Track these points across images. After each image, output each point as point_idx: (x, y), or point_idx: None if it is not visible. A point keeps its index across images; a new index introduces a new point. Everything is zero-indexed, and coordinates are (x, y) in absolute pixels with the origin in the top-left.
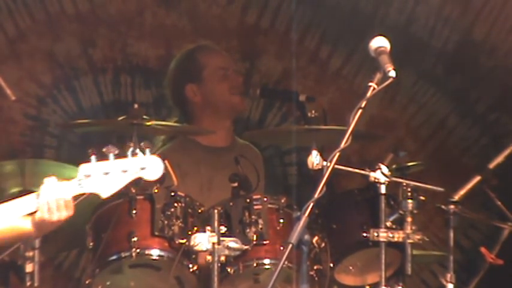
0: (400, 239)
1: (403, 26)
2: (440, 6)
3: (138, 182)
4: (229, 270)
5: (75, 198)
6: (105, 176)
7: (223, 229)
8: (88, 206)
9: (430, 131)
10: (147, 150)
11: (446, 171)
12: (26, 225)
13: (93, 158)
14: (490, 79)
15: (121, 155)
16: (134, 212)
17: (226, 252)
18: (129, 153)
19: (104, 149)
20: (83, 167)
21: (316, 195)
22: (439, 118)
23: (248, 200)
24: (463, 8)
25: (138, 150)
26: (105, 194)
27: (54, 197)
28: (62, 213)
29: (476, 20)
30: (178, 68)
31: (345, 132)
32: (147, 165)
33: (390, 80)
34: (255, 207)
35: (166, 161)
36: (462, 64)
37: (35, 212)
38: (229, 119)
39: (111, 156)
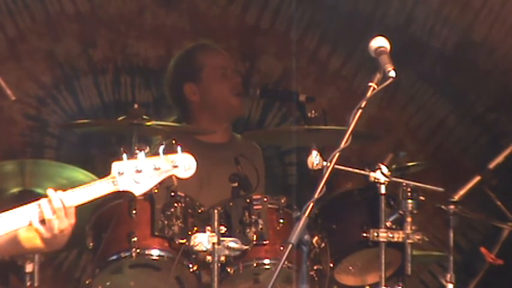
0: (400, 239)
1: (402, 26)
2: (439, 6)
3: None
4: (229, 270)
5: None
6: (138, 173)
7: (223, 229)
8: (88, 206)
9: (430, 131)
10: (179, 148)
11: (446, 172)
12: (28, 235)
13: (124, 156)
14: (489, 79)
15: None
16: (134, 212)
17: (226, 252)
18: (161, 150)
19: (136, 147)
20: (116, 164)
21: (316, 195)
22: (438, 118)
23: (248, 200)
24: (462, 8)
25: (177, 147)
26: (138, 192)
27: (55, 206)
28: (62, 222)
29: (475, 20)
30: (177, 67)
31: (344, 132)
32: (180, 163)
33: (390, 80)
34: (255, 207)
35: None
36: (461, 64)
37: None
38: (227, 120)
39: (141, 154)
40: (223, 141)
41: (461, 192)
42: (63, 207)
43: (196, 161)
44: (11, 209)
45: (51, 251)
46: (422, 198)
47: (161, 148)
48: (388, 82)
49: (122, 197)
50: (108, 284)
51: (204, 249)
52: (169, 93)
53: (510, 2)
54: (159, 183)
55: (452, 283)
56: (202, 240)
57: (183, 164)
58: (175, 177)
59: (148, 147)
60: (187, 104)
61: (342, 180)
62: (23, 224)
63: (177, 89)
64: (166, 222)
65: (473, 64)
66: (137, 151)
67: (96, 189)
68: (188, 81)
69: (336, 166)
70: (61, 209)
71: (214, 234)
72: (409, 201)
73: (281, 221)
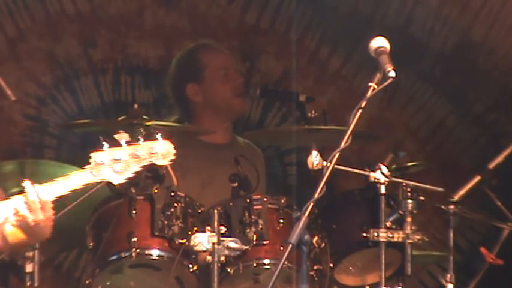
0: (400, 239)
1: (402, 26)
2: (439, 7)
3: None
4: (229, 270)
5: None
6: (116, 162)
7: (223, 229)
8: (88, 206)
9: (429, 132)
10: (159, 135)
11: (446, 172)
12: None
13: (105, 145)
14: (489, 80)
15: (134, 141)
16: (134, 212)
17: (226, 252)
18: (140, 138)
19: (116, 135)
20: (95, 155)
21: (316, 195)
22: (438, 118)
23: (248, 200)
24: (462, 9)
25: (157, 134)
26: (117, 181)
27: (30, 199)
28: (37, 215)
29: (475, 21)
30: (180, 67)
31: (344, 132)
32: (158, 150)
33: (390, 80)
34: (255, 207)
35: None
36: (461, 65)
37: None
38: (229, 120)
39: (123, 142)
40: (225, 141)
41: (461, 192)
42: (39, 201)
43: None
44: None
45: (38, 241)
46: (422, 198)
47: (141, 136)
48: (388, 82)
49: (122, 197)
50: (108, 284)
51: (204, 249)
52: (171, 93)
53: (510, 2)
54: (139, 172)
55: (452, 283)
56: (202, 240)
57: (161, 151)
58: (155, 165)
59: (129, 135)
60: (189, 104)
61: (342, 180)
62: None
63: (179, 89)
64: (166, 222)
65: (473, 64)
66: (118, 139)
67: (74, 180)
68: (190, 81)
69: (336, 166)
70: (36, 202)
71: (214, 234)
72: (409, 201)
73: (281, 221)
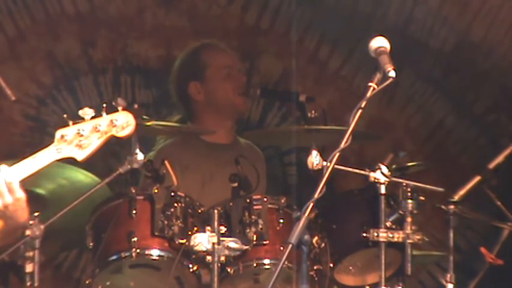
0: (400, 239)
1: (402, 26)
2: (439, 7)
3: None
4: (229, 270)
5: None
6: (79, 138)
7: (223, 229)
8: (88, 206)
9: (429, 132)
10: (120, 108)
11: (445, 172)
12: None
13: (70, 122)
14: (488, 80)
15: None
16: (134, 212)
17: (226, 252)
18: (103, 112)
19: (80, 112)
20: (59, 131)
21: (316, 196)
22: (437, 119)
23: (248, 200)
24: (461, 9)
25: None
26: (80, 156)
27: None
28: (4, 198)
29: (474, 21)
30: (183, 66)
31: (344, 132)
32: (118, 122)
33: (390, 80)
34: (255, 207)
35: (166, 161)
36: (460, 65)
37: None
38: (232, 119)
39: (86, 118)
40: (227, 142)
41: (461, 192)
42: (5, 183)
43: (198, 160)
44: None
45: (16, 226)
46: (422, 198)
47: (103, 108)
48: (388, 82)
49: (122, 197)
50: (108, 284)
51: (204, 249)
52: (174, 91)
53: (509, 2)
54: (101, 146)
55: (452, 283)
56: (202, 240)
57: (120, 123)
58: (116, 137)
59: (92, 111)
60: (191, 103)
61: (342, 180)
62: None
63: (182, 87)
64: (166, 222)
65: (472, 64)
66: (82, 115)
67: (40, 159)
68: (193, 79)
69: (336, 166)
70: (1, 185)
71: (214, 234)
72: (409, 201)
73: (281, 221)
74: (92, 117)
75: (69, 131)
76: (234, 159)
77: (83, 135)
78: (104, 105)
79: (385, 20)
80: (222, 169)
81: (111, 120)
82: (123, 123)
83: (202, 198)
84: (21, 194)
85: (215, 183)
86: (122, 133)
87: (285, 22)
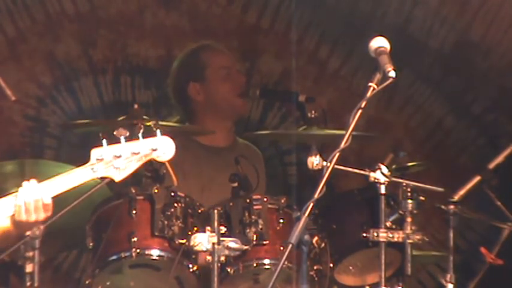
0: (400, 239)
1: (401, 26)
2: (438, 7)
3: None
4: (229, 270)
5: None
6: (117, 159)
7: (223, 229)
8: (88, 206)
9: (428, 132)
10: (158, 131)
11: (445, 172)
12: (6, 225)
13: (104, 141)
14: (487, 80)
15: (133, 137)
16: (134, 212)
17: (226, 252)
18: (140, 135)
19: (115, 132)
20: (95, 151)
21: (316, 196)
22: (436, 119)
23: (248, 200)
24: (460, 9)
25: (157, 131)
26: (118, 177)
27: (32, 198)
28: (39, 214)
29: (473, 21)
30: (182, 67)
31: (344, 132)
32: (159, 146)
33: (390, 80)
34: (255, 207)
35: (166, 162)
36: (459, 65)
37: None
38: (231, 120)
39: (122, 139)
40: (226, 144)
41: (461, 192)
42: (42, 202)
43: (198, 164)
44: None
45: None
46: (422, 198)
47: (140, 132)
48: (388, 82)
49: (122, 197)
50: (108, 284)
51: (204, 249)
52: (173, 92)
53: (508, 2)
54: (139, 168)
55: (452, 283)
56: (202, 240)
57: (161, 147)
58: (156, 161)
59: (128, 132)
60: (191, 104)
61: (342, 180)
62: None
63: (181, 89)
64: (166, 222)
65: (471, 64)
66: (117, 135)
67: (75, 177)
68: (192, 80)
69: (336, 166)
70: (38, 201)
71: (214, 234)
72: (409, 201)
73: (281, 221)
74: (127, 138)
75: (105, 153)
76: (234, 159)
77: (120, 156)
78: (142, 130)
79: (384, 20)
80: (222, 173)
81: (151, 144)
82: (164, 148)
83: (203, 203)
84: (50, 213)
85: (215, 188)
86: (163, 158)
87: (284, 22)
